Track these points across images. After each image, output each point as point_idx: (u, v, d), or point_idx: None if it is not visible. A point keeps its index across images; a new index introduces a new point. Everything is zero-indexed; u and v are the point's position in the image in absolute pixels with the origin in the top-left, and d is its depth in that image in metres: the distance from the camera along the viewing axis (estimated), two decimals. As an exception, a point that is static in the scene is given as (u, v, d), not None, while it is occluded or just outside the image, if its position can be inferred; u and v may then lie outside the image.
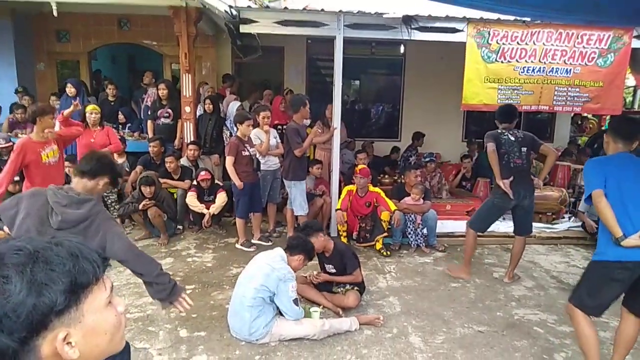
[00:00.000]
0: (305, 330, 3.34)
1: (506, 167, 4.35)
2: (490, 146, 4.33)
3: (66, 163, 4.77)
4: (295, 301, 3.34)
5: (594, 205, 2.75)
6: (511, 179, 4.31)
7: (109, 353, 0.86)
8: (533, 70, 5.64)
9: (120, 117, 7.40)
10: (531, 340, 3.49)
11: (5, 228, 2.24)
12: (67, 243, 0.81)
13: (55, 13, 6.08)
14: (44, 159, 4.11)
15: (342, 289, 3.97)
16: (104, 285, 0.83)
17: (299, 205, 5.42)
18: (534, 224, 5.83)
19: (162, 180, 5.82)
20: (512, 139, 4.39)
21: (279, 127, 6.68)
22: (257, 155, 5.51)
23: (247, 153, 5.25)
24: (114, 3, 6.29)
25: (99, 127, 5.41)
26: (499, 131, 4.45)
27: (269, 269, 3.31)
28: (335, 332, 3.42)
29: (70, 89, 6.46)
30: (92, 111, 5.37)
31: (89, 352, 0.80)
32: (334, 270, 3.98)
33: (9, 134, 6.72)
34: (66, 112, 5.14)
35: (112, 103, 7.43)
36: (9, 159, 4.09)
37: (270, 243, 5.44)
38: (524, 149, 4.40)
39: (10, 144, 6.14)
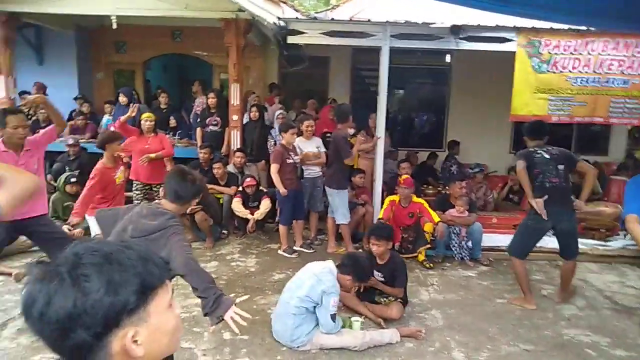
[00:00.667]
0: (346, 341, 3.36)
1: (540, 187, 4.07)
2: (520, 164, 4.12)
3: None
4: (333, 316, 3.35)
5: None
6: (545, 197, 4.03)
7: (167, 353, 0.90)
8: (587, 80, 5.42)
9: (172, 121, 7.64)
10: (582, 362, 3.35)
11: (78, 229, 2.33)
12: (136, 247, 0.87)
13: (114, 26, 6.42)
14: (117, 181, 4.43)
15: (385, 299, 3.96)
16: (167, 288, 0.88)
17: (341, 214, 5.44)
18: (587, 241, 5.62)
19: (209, 186, 6.00)
20: (547, 157, 4.12)
21: (328, 135, 6.71)
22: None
23: (291, 161, 5.34)
24: (169, 16, 6.57)
25: (152, 134, 5.67)
26: (532, 149, 4.22)
27: (316, 280, 3.35)
28: (376, 344, 3.41)
29: (122, 98, 6.82)
30: (146, 119, 5.64)
31: (152, 351, 0.85)
32: (382, 279, 3.99)
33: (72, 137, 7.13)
34: (123, 118, 5.44)
35: (164, 111, 7.75)
36: (86, 185, 4.34)
37: (312, 250, 5.49)
38: (560, 167, 4.10)
39: (78, 146, 6.58)
